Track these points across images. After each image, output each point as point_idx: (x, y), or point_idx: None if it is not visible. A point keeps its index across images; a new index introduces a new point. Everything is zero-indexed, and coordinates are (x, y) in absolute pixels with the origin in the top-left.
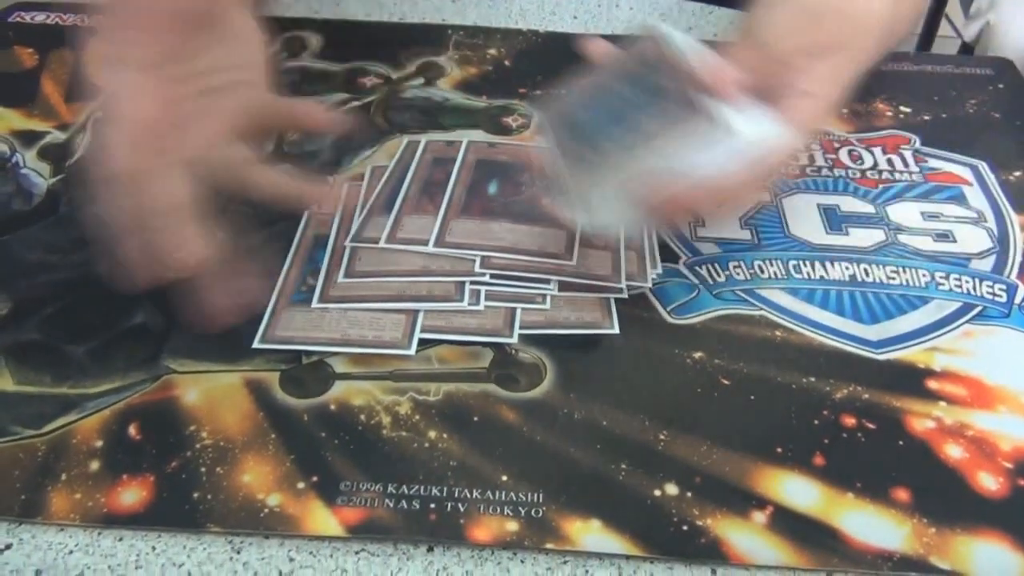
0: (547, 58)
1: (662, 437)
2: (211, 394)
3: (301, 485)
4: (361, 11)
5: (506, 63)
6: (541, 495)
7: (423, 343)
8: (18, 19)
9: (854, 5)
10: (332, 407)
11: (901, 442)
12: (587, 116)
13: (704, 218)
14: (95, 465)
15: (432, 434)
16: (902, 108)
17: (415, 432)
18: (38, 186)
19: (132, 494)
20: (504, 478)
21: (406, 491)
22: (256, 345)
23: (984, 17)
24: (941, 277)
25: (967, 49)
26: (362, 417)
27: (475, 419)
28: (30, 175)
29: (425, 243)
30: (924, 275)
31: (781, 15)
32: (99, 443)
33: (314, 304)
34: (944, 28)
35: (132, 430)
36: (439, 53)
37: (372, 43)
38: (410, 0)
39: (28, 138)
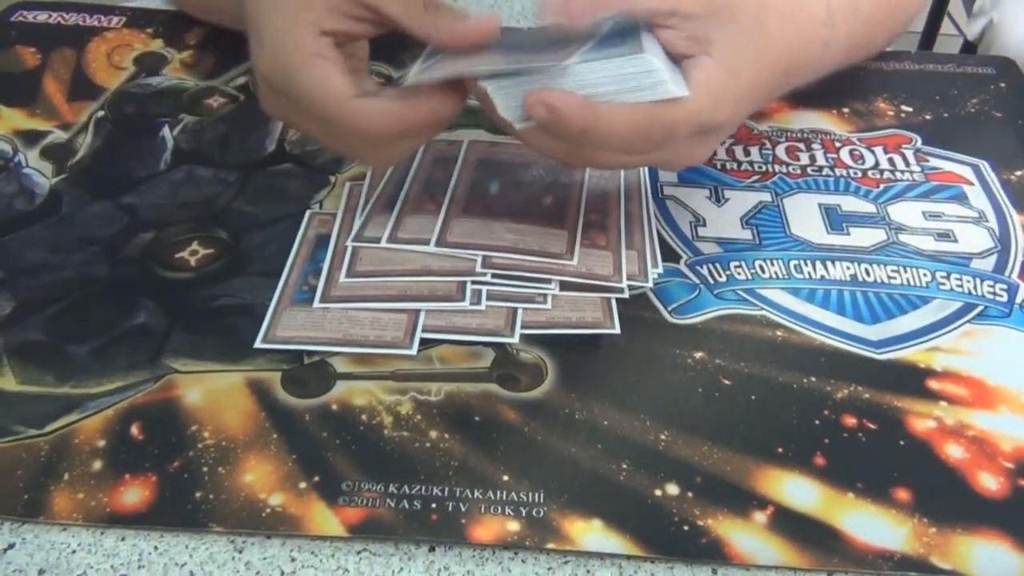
0: None
1: (663, 437)
2: (213, 394)
3: (303, 485)
4: None
5: None
6: (542, 495)
7: (424, 343)
8: (20, 18)
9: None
10: (334, 407)
11: (902, 442)
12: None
13: (590, 165)
14: (98, 465)
15: (433, 434)
16: (903, 107)
17: (416, 432)
18: (40, 186)
19: (134, 494)
20: (505, 478)
21: (407, 491)
22: (258, 345)
23: (987, 15)
24: (942, 277)
25: (969, 47)
26: (363, 417)
27: (476, 419)
28: (32, 175)
29: (426, 243)
30: (925, 275)
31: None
32: (101, 443)
33: (316, 304)
34: (946, 26)
35: (134, 430)
36: None
37: (373, 42)
38: None
39: (30, 138)
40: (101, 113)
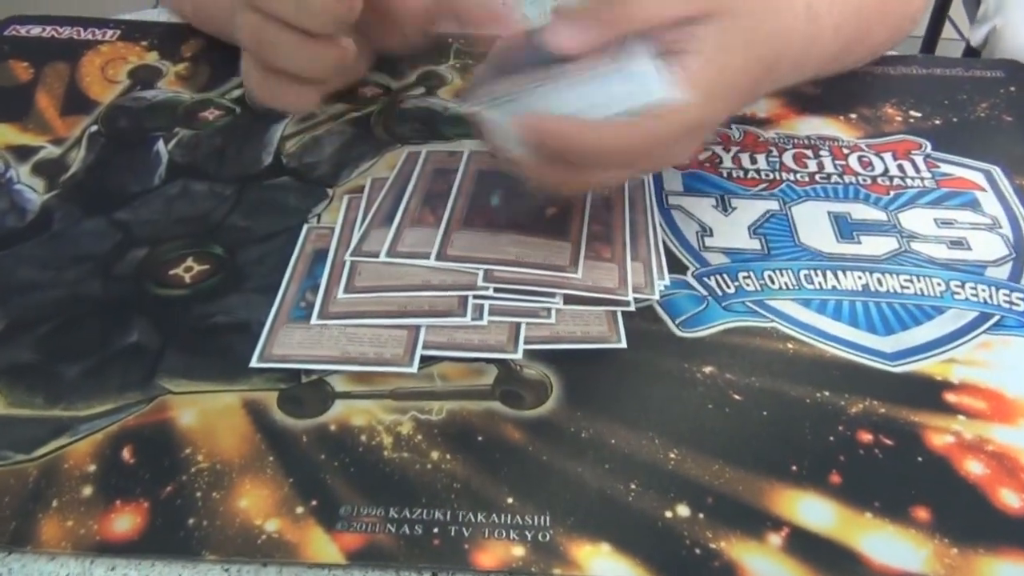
0: None
1: (672, 456)
2: (207, 415)
3: (300, 510)
4: None
5: None
6: (548, 518)
7: (425, 360)
8: (13, 33)
9: None
10: (332, 427)
11: (920, 458)
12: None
13: (587, 187)
14: (87, 491)
15: (435, 455)
16: (912, 112)
17: (417, 453)
18: (32, 202)
19: (125, 521)
20: (510, 500)
21: (408, 515)
22: (254, 364)
23: (991, 22)
24: (956, 286)
25: (972, 53)
26: (362, 438)
27: (479, 439)
28: (24, 191)
29: (427, 256)
30: (939, 284)
31: None
32: (92, 468)
33: (313, 321)
34: (947, 31)
35: (126, 454)
36: (440, 62)
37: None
38: None
39: (22, 153)
40: (95, 128)
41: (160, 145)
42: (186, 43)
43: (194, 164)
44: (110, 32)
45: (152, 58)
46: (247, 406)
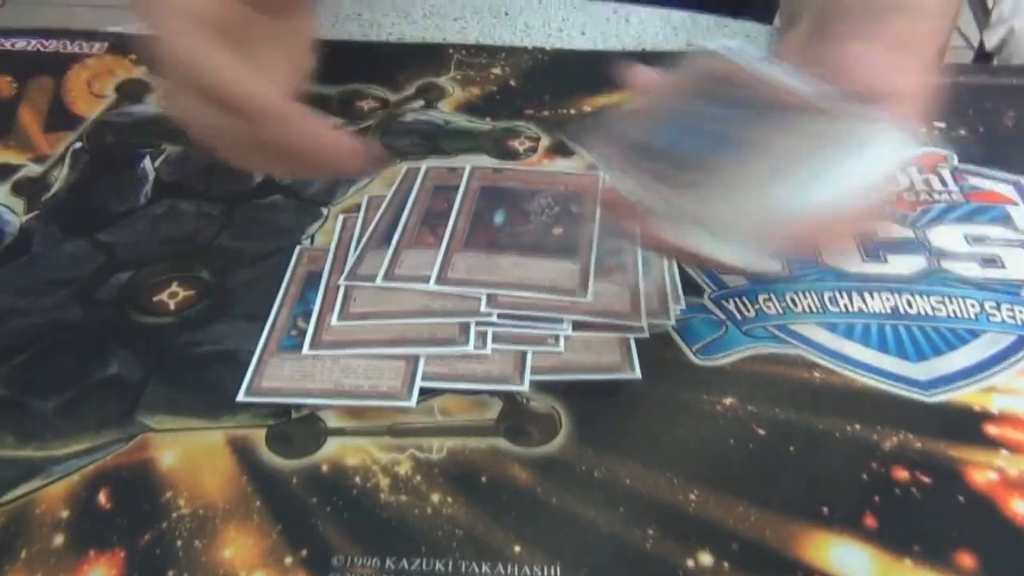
0: (554, 77)
1: (693, 497)
2: (190, 455)
3: (288, 560)
4: (358, 32)
5: (511, 83)
6: (558, 568)
7: (425, 393)
8: None
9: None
10: (324, 468)
11: (961, 498)
12: (662, 136)
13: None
14: (59, 539)
15: (435, 498)
16: (935, 123)
17: (416, 496)
18: (10, 224)
19: (99, 573)
20: (517, 549)
21: (406, 566)
22: (241, 398)
23: (1007, 24)
24: (991, 307)
25: (981, 57)
26: (357, 479)
27: (483, 479)
28: (2, 212)
29: (426, 280)
30: (973, 305)
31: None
32: (65, 513)
33: (305, 351)
34: (954, 38)
35: (102, 498)
36: (440, 74)
37: (369, 64)
38: (409, 19)
39: (2, 172)
40: (79, 144)
41: (147, 162)
42: None
43: (182, 182)
44: (97, 45)
45: (141, 72)
46: (232, 444)
